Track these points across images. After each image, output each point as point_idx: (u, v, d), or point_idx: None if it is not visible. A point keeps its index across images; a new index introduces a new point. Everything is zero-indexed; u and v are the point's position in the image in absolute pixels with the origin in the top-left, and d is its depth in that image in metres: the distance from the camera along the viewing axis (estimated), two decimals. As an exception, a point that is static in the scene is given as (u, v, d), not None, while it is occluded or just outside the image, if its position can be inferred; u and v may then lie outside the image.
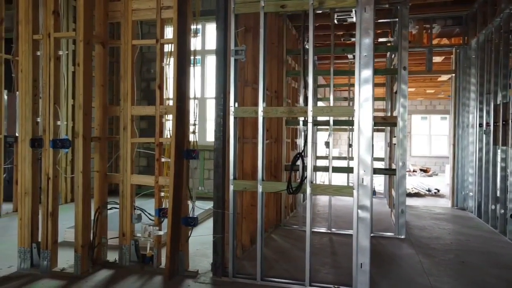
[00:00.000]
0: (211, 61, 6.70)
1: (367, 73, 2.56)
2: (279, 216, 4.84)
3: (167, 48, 3.32)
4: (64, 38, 3.24)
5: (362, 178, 2.56)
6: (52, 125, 3.17)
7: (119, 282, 2.97)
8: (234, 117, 3.04)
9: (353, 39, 6.07)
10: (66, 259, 3.33)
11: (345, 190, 2.80)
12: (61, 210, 3.36)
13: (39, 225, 3.24)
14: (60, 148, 3.18)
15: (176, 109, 3.06)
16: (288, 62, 5.19)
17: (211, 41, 6.37)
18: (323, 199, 6.68)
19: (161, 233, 3.21)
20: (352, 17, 5.22)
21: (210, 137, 6.66)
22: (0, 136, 5.25)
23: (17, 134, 5.39)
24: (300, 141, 5.48)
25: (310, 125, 2.84)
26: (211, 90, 6.64)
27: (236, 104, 3.05)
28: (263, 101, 2.96)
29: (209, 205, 5.33)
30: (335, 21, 5.01)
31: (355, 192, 2.67)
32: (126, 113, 3.29)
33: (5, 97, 5.28)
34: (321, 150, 7.52)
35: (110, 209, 3.41)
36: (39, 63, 3.23)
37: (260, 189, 2.94)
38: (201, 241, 3.71)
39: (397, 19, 5.03)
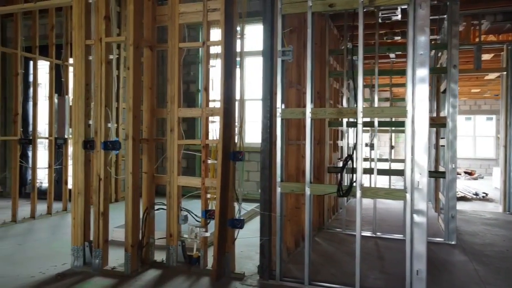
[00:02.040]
0: (250, 63, 6.70)
1: (423, 72, 2.46)
2: (322, 219, 4.76)
3: (208, 50, 3.33)
4: (115, 42, 3.32)
5: (418, 181, 2.46)
6: (103, 127, 3.27)
7: (167, 282, 3.00)
8: (281, 119, 3.01)
9: (396, 38, 5.89)
10: (115, 258, 3.41)
11: (397, 194, 2.70)
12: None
13: (90, 225, 3.34)
14: (111, 149, 3.26)
15: (223, 111, 3.07)
16: (330, 62, 5.11)
17: (251, 43, 6.37)
18: (363, 202, 6.52)
19: (207, 234, 3.22)
20: (397, 15, 5.06)
21: (249, 138, 6.67)
22: (51, 138, 5.48)
23: (66, 136, 5.62)
24: (342, 143, 5.38)
25: (360, 127, 2.76)
26: (250, 92, 6.64)
27: (283, 106, 3.02)
28: (311, 102, 2.91)
29: (250, 206, 5.34)
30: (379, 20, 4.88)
31: (408, 195, 2.57)
32: (173, 115, 3.33)
33: (56, 100, 5.50)
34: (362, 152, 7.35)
35: (158, 209, 3.47)
36: (91, 67, 3.33)
37: (308, 191, 2.90)
38: (245, 243, 3.71)
39: (445, 16, 4.84)
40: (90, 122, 3.35)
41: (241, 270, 3.23)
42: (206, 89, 3.28)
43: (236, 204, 3.22)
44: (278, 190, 3.00)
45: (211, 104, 3.31)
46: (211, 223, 3.23)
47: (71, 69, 5.63)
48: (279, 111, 3.01)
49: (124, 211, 3.21)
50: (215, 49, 3.32)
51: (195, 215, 3.36)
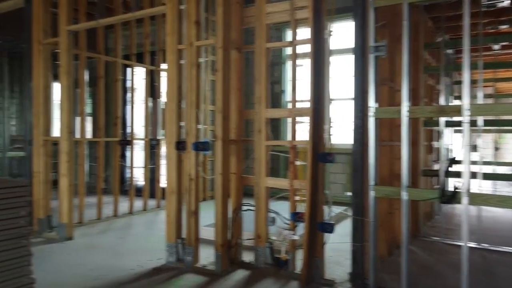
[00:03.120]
0: (339, 61, 6.48)
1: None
2: (417, 226, 4.43)
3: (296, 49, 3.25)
4: (204, 46, 3.41)
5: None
6: (194, 128, 3.37)
7: (256, 284, 3.00)
8: (374, 118, 2.83)
9: (502, 27, 5.29)
10: (205, 256, 3.49)
11: (513, 202, 2.38)
12: (201, 209, 3.55)
13: (183, 223, 3.47)
14: (201, 150, 3.35)
15: (313, 111, 2.98)
16: (424, 57, 4.73)
17: (339, 40, 6.15)
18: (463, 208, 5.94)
19: (296, 237, 3.16)
20: (502, 1, 4.53)
21: (335, 139, 6.46)
22: (146, 139, 5.85)
23: (158, 137, 5.97)
24: (438, 144, 4.95)
25: (467, 126, 2.48)
26: (338, 91, 6.43)
27: (376, 104, 2.84)
28: (408, 100, 2.69)
29: (337, 209, 5.17)
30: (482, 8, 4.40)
31: (527, 204, 2.25)
32: (261, 116, 3.33)
33: (150, 103, 5.86)
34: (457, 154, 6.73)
35: (246, 210, 3.48)
36: (182, 71, 3.46)
37: (405, 196, 2.68)
38: (333, 247, 3.56)
39: None
40: (182, 123, 3.48)
41: (331, 276, 3.11)
42: (294, 89, 3.21)
43: (325, 207, 3.10)
44: (371, 194, 2.83)
45: (298, 105, 3.25)
46: (300, 225, 3.16)
47: (163, 74, 5.98)
48: (371, 110, 2.83)
49: (211, 210, 3.29)
50: (302, 48, 3.24)
51: (283, 217, 3.31)
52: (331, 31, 3.15)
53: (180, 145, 3.43)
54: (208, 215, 3.71)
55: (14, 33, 6.12)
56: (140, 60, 5.82)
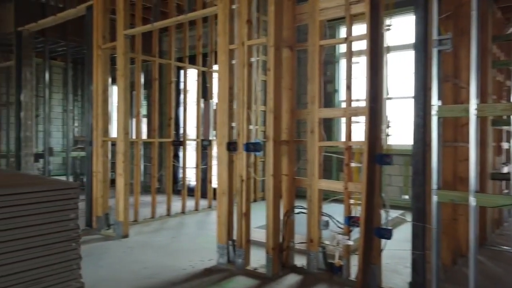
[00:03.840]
0: (396, 58, 6.18)
1: None
2: (484, 234, 4.08)
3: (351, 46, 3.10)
4: (256, 45, 3.36)
5: None
6: (245, 129, 3.33)
7: (308, 290, 2.89)
8: (438, 117, 2.62)
9: None
10: (256, 258, 3.44)
11: None
12: (252, 211, 3.50)
13: (234, 224, 3.44)
14: (253, 151, 3.31)
15: (369, 110, 2.83)
16: (492, 51, 4.36)
17: (397, 36, 5.85)
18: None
19: (350, 242, 3.01)
20: None
21: (391, 139, 6.17)
22: (198, 140, 5.92)
23: (210, 138, 6.02)
24: (509, 145, 4.55)
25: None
26: (395, 89, 6.13)
27: (439, 102, 2.63)
28: (477, 97, 2.46)
29: (393, 213, 4.91)
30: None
31: None
32: (314, 116, 3.22)
33: (202, 105, 5.93)
34: None
35: (298, 213, 3.39)
36: (233, 71, 3.44)
37: (473, 202, 2.46)
38: (389, 254, 3.37)
39: None
40: (233, 124, 3.45)
41: (388, 285, 2.93)
42: (349, 87, 3.07)
43: (382, 212, 2.93)
44: (434, 198, 2.62)
45: (353, 104, 3.10)
46: (354, 230, 3.01)
47: (215, 75, 6.03)
48: (434, 108, 2.63)
49: (262, 211, 3.23)
50: (357, 46, 3.09)
51: (337, 221, 3.18)
52: (389, 26, 2.97)
53: (231, 146, 3.41)
54: (259, 216, 3.65)
55: (77, 40, 6.48)
56: (192, 62, 5.91)
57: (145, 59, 5.19)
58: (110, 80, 4.67)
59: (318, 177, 3.19)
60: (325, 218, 3.21)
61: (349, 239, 3.03)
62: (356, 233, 3.01)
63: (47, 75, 6.60)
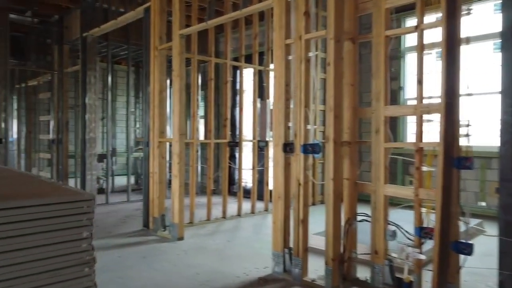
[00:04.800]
0: (470, 50, 5.60)
1: None
2: None
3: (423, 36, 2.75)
4: (314, 38, 3.12)
5: None
6: (302, 129, 3.10)
7: (373, 308, 2.60)
8: (532, 114, 2.21)
9: None
10: (314, 268, 3.20)
11: None
12: (310, 217, 3.26)
13: (290, 230, 3.23)
14: (311, 153, 3.07)
15: (445, 106, 2.47)
16: None
17: (476, 25, 5.28)
18: None
19: (422, 257, 2.66)
20: None
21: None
22: (254, 141, 5.78)
23: (267, 139, 5.85)
24: None
25: None
26: (474, 85, 5.55)
27: (534, 96, 2.22)
28: None
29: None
30: None
31: None
32: (379, 114, 2.91)
33: (258, 104, 5.78)
34: None
35: (361, 221, 3.10)
36: (290, 67, 3.22)
37: None
38: (468, 270, 2.96)
39: None
40: (290, 124, 3.24)
41: (468, 307, 2.55)
42: (420, 82, 2.73)
43: (461, 223, 2.56)
44: (528, 210, 2.21)
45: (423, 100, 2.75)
46: (427, 243, 2.67)
47: (271, 74, 5.85)
48: (527, 103, 2.22)
49: (321, 216, 2.98)
50: (429, 37, 2.74)
51: (406, 231, 2.85)
52: (469, 9, 2.59)
53: (287, 147, 3.20)
54: (318, 220, 3.41)
55: (138, 43, 6.63)
56: (249, 61, 5.79)
57: (201, 59, 5.15)
58: (169, 81, 4.67)
59: (384, 182, 2.88)
60: (392, 228, 2.89)
61: (420, 253, 2.68)
62: (429, 245, 2.67)
63: (109, 79, 6.82)
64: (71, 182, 6.92)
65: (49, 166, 7.54)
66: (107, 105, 6.94)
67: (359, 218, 3.10)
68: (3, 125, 6.01)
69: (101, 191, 6.81)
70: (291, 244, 3.19)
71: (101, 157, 6.78)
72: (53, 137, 7.10)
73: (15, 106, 9.17)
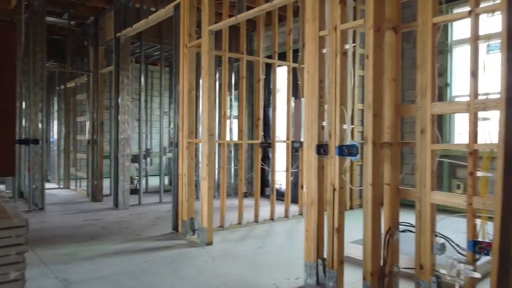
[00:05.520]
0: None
1: None
2: None
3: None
4: (351, 28, 2.84)
5: None
6: (338, 129, 2.83)
7: (419, 331, 2.29)
8: None
9: None
10: (351, 280, 2.92)
11: None
12: (346, 225, 2.98)
13: (324, 239, 2.96)
14: (347, 155, 2.79)
15: (506, 102, 2.12)
16: None
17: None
18: None
19: (477, 275, 2.32)
20: None
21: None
22: (288, 141, 5.52)
23: (301, 140, 5.57)
24: None
25: None
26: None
27: None
28: None
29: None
30: None
31: None
32: (425, 112, 2.58)
33: (292, 103, 5.52)
34: None
35: (403, 231, 2.78)
36: (324, 62, 2.96)
37: None
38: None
39: None
40: (324, 123, 2.98)
41: (533, 336, 2.18)
42: (474, 74, 2.38)
43: (524, 238, 2.19)
44: None
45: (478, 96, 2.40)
46: (482, 259, 2.32)
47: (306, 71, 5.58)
48: None
49: (359, 221, 2.69)
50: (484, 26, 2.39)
51: (457, 244, 2.51)
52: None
53: (321, 149, 2.94)
54: (354, 227, 3.12)
55: (171, 42, 6.56)
56: (282, 59, 5.56)
57: (232, 56, 4.97)
58: (196, 80, 4.52)
59: (431, 188, 2.55)
60: (441, 240, 2.55)
61: (474, 270, 2.34)
62: (484, 261, 2.33)
63: (142, 79, 6.80)
64: (106, 183, 6.95)
65: (86, 166, 7.64)
66: (139, 106, 6.92)
67: (401, 227, 2.78)
68: (40, 125, 6.09)
69: (134, 191, 6.79)
70: (325, 254, 2.92)
71: (135, 158, 6.76)
72: (89, 137, 7.17)
73: (55, 107, 9.44)
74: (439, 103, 2.57)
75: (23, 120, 6.28)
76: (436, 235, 2.56)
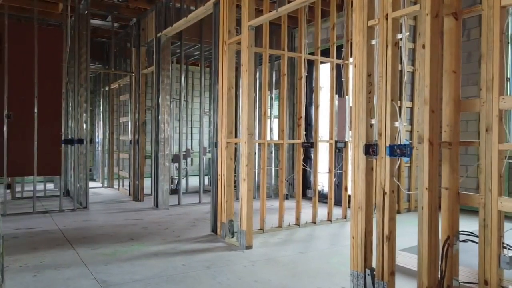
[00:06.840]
0: None
1: None
2: None
3: None
4: (405, 16, 2.58)
5: None
6: (388, 127, 2.58)
7: None
8: None
9: None
10: (402, 293, 2.66)
11: None
12: (397, 233, 2.71)
13: (373, 247, 2.72)
14: (399, 156, 2.53)
15: None
16: None
17: None
18: None
19: (556, 295, 2.01)
20: None
21: None
22: (331, 141, 5.27)
23: (346, 140, 5.31)
24: None
25: None
26: None
27: None
28: None
29: None
30: None
31: None
32: (491, 108, 2.28)
33: (336, 102, 5.27)
34: None
35: (464, 241, 2.49)
36: (373, 54, 2.72)
37: None
38: None
39: None
40: (373, 121, 2.73)
41: None
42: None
43: None
44: None
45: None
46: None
47: (351, 68, 5.31)
48: None
49: (408, 227, 2.45)
50: None
51: (529, 259, 2.19)
52: None
53: (370, 149, 2.69)
54: (404, 232, 2.86)
55: (210, 41, 6.50)
56: (326, 55, 5.31)
57: (273, 53, 4.80)
58: (241, 79, 4.39)
59: (498, 194, 2.25)
60: (510, 253, 2.25)
61: (552, 289, 2.03)
62: None
63: (183, 79, 6.77)
64: (147, 182, 7.00)
65: (129, 166, 7.75)
66: (180, 106, 6.92)
67: (462, 237, 2.49)
68: (84, 126, 6.21)
69: (174, 191, 6.79)
70: (374, 264, 2.67)
71: (175, 158, 6.76)
72: (131, 137, 7.26)
73: (100, 108, 9.70)
74: (508, 97, 2.26)
75: (69, 121, 6.44)
76: (504, 247, 2.26)
